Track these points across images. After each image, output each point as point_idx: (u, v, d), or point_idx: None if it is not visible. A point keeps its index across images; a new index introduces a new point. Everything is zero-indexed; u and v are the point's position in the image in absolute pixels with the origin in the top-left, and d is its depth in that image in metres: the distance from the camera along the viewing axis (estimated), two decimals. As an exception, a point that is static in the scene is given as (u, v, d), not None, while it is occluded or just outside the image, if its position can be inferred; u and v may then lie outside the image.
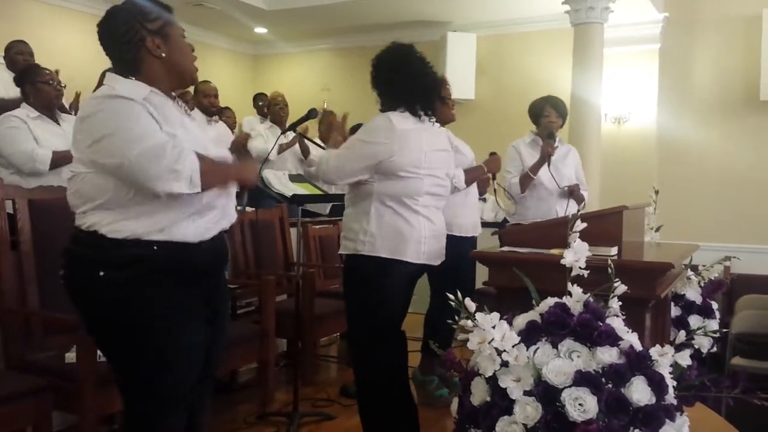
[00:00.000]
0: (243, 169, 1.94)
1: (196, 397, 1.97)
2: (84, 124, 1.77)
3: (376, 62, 2.60)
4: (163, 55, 1.84)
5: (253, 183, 1.96)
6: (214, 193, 1.84)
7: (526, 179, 3.84)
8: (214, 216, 1.89)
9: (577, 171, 4.06)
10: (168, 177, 1.68)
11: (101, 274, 1.74)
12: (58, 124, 3.68)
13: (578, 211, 2.00)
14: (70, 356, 2.56)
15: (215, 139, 2.87)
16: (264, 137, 5.25)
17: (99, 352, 2.42)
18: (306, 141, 5.15)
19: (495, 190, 3.71)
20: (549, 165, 3.80)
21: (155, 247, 1.76)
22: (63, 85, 3.77)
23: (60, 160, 3.47)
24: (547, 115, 3.88)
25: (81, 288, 1.81)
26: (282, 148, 5.16)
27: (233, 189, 1.96)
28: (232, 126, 5.74)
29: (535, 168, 3.81)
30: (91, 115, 1.75)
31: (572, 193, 3.85)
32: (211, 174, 1.77)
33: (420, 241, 2.52)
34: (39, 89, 3.60)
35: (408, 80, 2.54)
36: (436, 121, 2.69)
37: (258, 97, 6.31)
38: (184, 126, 1.85)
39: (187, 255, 1.81)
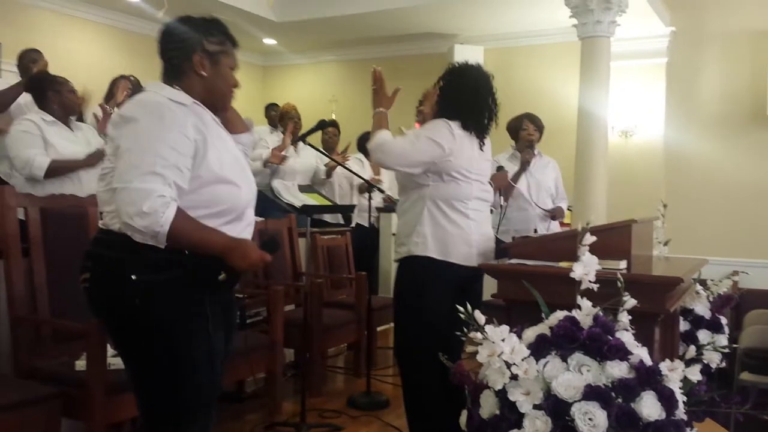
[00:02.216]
0: (241, 249, 1.78)
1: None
2: (121, 119, 1.80)
3: (455, 73, 2.73)
4: (204, 74, 1.88)
5: (247, 269, 1.82)
6: (246, 202, 1.89)
7: (509, 188, 4.06)
8: (245, 224, 1.93)
9: (557, 183, 4.36)
10: (132, 231, 1.70)
11: (132, 277, 1.74)
12: (71, 129, 3.76)
13: (588, 224, 2.00)
14: (80, 364, 2.56)
15: None
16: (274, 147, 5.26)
17: (109, 360, 2.44)
18: (313, 149, 5.19)
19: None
20: (525, 172, 4.08)
21: (186, 252, 1.77)
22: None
23: (59, 169, 3.55)
24: (525, 129, 4.19)
25: (108, 291, 1.80)
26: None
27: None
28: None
29: (516, 176, 4.08)
30: (132, 113, 1.79)
31: (555, 216, 4.21)
32: (184, 242, 1.74)
33: (470, 243, 2.63)
34: (66, 99, 3.72)
35: (478, 103, 2.68)
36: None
37: (270, 108, 6.33)
38: (221, 137, 1.89)
39: (214, 262, 1.80)
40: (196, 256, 1.78)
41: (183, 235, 1.73)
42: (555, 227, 4.24)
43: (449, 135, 2.59)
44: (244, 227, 1.92)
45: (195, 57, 1.87)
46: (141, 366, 1.86)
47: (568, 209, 4.67)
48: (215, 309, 1.87)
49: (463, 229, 2.62)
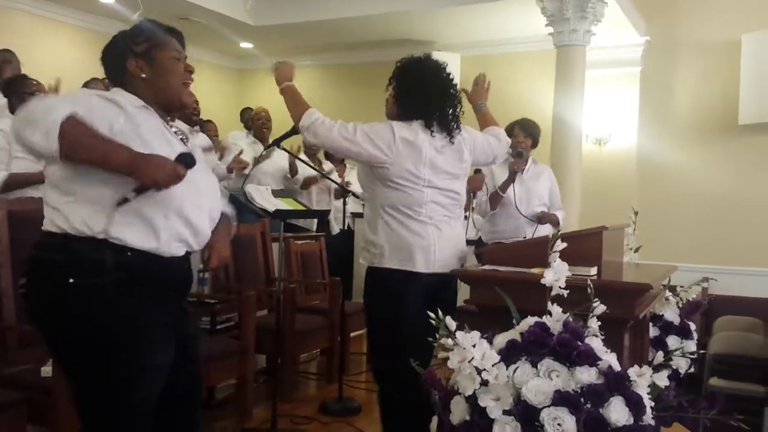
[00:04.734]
0: (153, 160, 1.64)
1: (188, 421, 1.93)
2: None
3: (401, 71, 2.59)
4: (143, 76, 1.83)
5: (161, 181, 1.65)
6: (182, 201, 1.76)
7: (496, 197, 4.02)
8: (189, 233, 1.81)
9: (552, 191, 4.23)
10: (24, 125, 1.59)
11: (71, 281, 1.66)
12: None
13: (558, 231, 2.01)
14: (46, 370, 2.52)
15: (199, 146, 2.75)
16: (247, 151, 5.23)
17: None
18: (292, 157, 5.17)
19: (473, 208, 3.76)
20: (513, 182, 3.97)
21: (129, 253, 1.69)
22: None
23: (17, 184, 3.47)
24: (515, 136, 4.05)
25: (46, 297, 1.71)
26: (257, 161, 5.11)
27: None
28: (213, 139, 5.71)
29: (504, 186, 4.00)
30: None
31: (541, 219, 4.04)
32: (81, 143, 1.58)
33: (429, 250, 2.49)
34: (24, 101, 3.60)
35: (431, 93, 2.54)
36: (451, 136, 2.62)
37: (245, 112, 6.31)
38: (167, 140, 1.81)
39: (160, 267, 1.75)
40: (140, 258, 1.70)
41: (78, 134, 1.58)
42: (544, 233, 4.04)
43: (389, 140, 2.46)
44: (179, 235, 1.79)
45: (129, 64, 1.83)
46: (80, 377, 1.76)
47: None
48: (162, 320, 1.78)
49: (420, 236, 2.49)
